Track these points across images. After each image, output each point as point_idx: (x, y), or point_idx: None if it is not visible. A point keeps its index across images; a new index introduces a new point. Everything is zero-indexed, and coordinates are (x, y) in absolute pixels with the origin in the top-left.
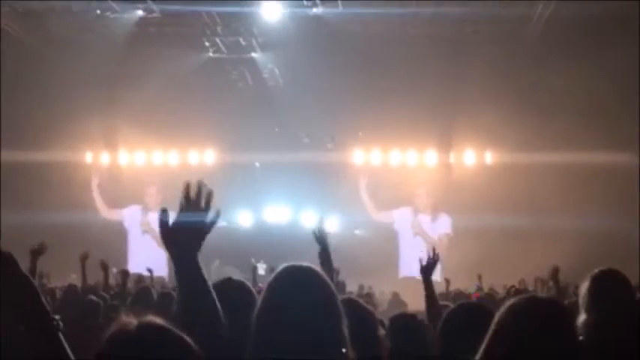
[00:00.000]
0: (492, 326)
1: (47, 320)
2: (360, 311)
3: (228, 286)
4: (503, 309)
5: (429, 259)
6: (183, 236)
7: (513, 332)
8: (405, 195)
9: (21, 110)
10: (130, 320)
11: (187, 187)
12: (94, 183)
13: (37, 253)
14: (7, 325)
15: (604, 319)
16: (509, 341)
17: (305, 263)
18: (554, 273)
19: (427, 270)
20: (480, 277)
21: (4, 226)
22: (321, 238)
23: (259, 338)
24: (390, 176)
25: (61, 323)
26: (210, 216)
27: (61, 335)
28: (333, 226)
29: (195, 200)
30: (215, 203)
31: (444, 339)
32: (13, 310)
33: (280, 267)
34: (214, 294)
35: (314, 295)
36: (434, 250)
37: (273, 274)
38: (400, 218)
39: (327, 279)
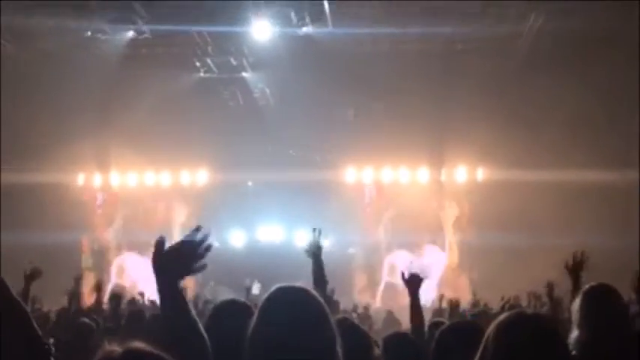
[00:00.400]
0: (482, 342)
1: (38, 344)
2: (354, 331)
3: (232, 308)
4: (492, 325)
5: (413, 273)
6: (175, 264)
7: (502, 348)
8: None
9: (13, 131)
10: (112, 349)
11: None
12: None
13: (30, 278)
14: (1, 348)
15: (596, 335)
16: (498, 357)
17: (298, 284)
18: (550, 289)
19: (412, 283)
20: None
21: None
22: (314, 253)
23: (253, 359)
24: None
25: (52, 348)
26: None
27: (52, 359)
28: (325, 244)
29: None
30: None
31: (438, 358)
32: (4, 333)
33: (273, 288)
34: (198, 320)
35: (307, 316)
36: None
37: (265, 295)
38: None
39: (320, 299)
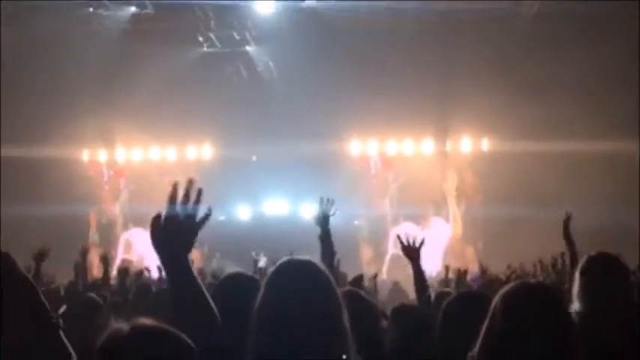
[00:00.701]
0: (489, 312)
1: (47, 318)
2: (361, 303)
3: (238, 280)
4: (498, 295)
5: (409, 241)
6: (174, 237)
7: (509, 317)
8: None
9: (15, 108)
10: (120, 326)
11: (175, 187)
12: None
13: (39, 258)
14: (8, 323)
15: (596, 310)
16: (505, 326)
17: (304, 257)
18: (554, 261)
19: (411, 251)
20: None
21: (3, 221)
22: (322, 221)
23: (260, 333)
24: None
25: (61, 320)
26: (200, 214)
27: (61, 332)
28: (332, 217)
29: (184, 199)
30: (206, 199)
31: (445, 329)
32: (14, 308)
33: (279, 261)
34: (206, 293)
35: (313, 287)
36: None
37: (272, 269)
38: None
39: (326, 271)
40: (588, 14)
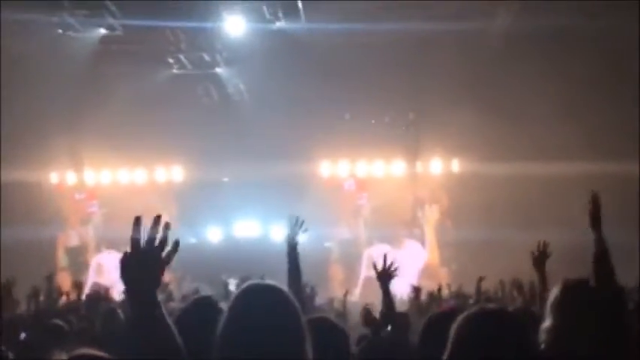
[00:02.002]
0: (450, 337)
1: None
2: (332, 329)
3: (201, 305)
4: (456, 321)
5: (384, 266)
6: (139, 273)
7: (465, 344)
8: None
9: None
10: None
11: (138, 221)
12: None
13: (7, 289)
14: None
15: (566, 323)
16: (461, 352)
17: (269, 281)
18: (519, 286)
19: (384, 275)
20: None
21: None
22: (289, 244)
23: (222, 358)
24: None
25: (9, 353)
26: (167, 248)
27: None
28: (302, 238)
29: (151, 233)
30: (177, 221)
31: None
32: None
33: (244, 286)
34: (173, 328)
35: (276, 316)
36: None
37: (234, 294)
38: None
39: (292, 298)
40: (560, 31)
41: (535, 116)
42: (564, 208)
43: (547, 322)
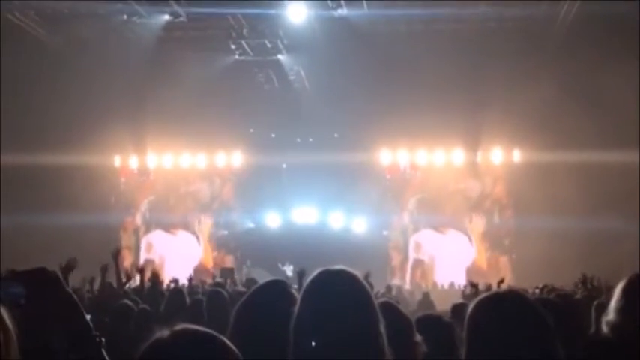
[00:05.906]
0: (465, 326)
1: (91, 337)
2: (396, 316)
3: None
4: (470, 305)
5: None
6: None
7: (482, 327)
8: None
9: (45, 113)
10: (161, 334)
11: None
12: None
13: (67, 270)
14: (55, 342)
15: (627, 319)
16: (481, 336)
17: (340, 266)
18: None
19: None
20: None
21: (29, 226)
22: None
23: (299, 344)
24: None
25: (103, 339)
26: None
27: (104, 351)
28: (361, 226)
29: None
30: (236, 206)
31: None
32: (61, 328)
33: (315, 272)
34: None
35: (352, 299)
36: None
37: (308, 279)
38: None
39: (364, 282)
40: (623, 21)
41: (597, 108)
42: (623, 200)
43: (613, 306)
